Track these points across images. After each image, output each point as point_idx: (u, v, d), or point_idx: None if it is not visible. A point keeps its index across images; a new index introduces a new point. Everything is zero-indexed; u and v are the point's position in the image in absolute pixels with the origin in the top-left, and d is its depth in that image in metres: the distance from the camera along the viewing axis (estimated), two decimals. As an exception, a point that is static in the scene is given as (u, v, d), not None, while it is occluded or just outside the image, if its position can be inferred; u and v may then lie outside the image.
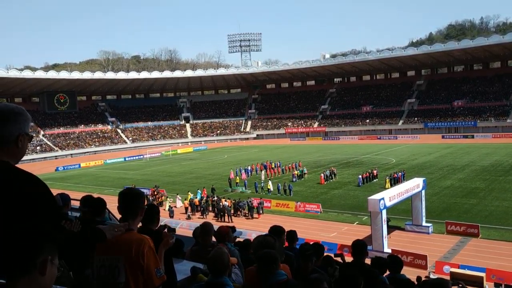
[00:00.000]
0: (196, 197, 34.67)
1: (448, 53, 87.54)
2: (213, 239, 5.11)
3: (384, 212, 21.65)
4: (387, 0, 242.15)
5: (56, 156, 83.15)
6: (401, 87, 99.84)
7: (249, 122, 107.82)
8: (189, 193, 35.70)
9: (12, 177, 2.11)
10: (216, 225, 6.37)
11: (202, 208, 32.84)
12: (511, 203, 29.19)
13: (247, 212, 31.48)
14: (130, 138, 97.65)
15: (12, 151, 2.20)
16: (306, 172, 44.89)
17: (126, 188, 3.44)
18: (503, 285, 17.06)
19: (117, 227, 2.94)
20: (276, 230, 5.34)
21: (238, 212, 31.61)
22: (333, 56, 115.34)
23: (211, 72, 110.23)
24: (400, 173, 38.88)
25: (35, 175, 2.16)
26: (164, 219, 26.41)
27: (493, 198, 30.91)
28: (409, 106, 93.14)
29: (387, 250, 21.11)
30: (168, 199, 35.70)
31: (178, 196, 36.22)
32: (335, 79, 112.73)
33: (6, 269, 1.69)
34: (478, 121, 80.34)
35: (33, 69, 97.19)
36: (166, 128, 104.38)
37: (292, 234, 5.79)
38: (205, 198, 33.89)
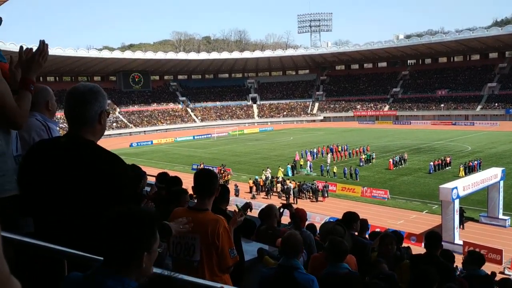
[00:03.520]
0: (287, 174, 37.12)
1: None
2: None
3: (456, 202, 20.61)
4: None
5: (130, 132, 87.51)
6: (481, 70, 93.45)
7: (316, 104, 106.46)
8: (280, 168, 37.09)
9: (98, 156, 2.24)
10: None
11: (266, 189, 33.13)
12: None
13: (311, 194, 31.36)
14: (199, 117, 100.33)
15: (97, 128, 2.35)
16: (374, 157, 43.73)
17: (201, 168, 3.53)
18: None
19: (183, 223, 2.97)
20: (350, 217, 5.14)
21: (302, 195, 31.58)
22: (407, 37, 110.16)
23: (279, 52, 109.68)
24: (476, 162, 36.76)
25: (117, 155, 2.28)
26: (231, 197, 26.92)
27: None
28: (489, 90, 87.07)
29: (458, 241, 20.18)
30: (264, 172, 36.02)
31: (268, 169, 36.58)
32: (408, 61, 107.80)
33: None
34: None
35: (111, 49, 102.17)
36: (233, 109, 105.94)
37: (363, 223, 5.51)
38: (270, 179, 34.12)
